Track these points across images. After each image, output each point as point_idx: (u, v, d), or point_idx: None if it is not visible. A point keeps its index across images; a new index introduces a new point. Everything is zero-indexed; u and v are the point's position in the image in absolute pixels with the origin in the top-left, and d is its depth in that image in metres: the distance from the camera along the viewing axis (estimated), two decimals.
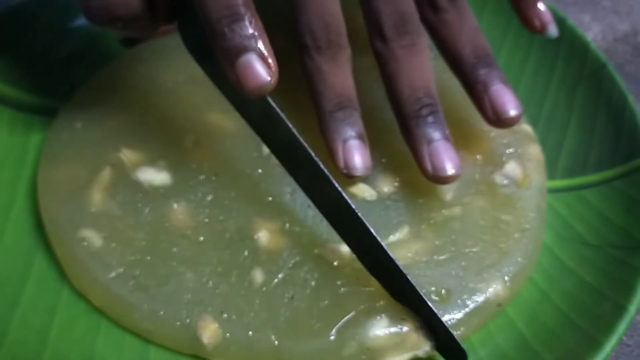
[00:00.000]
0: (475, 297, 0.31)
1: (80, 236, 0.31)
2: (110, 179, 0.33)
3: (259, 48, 0.28)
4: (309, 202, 0.31)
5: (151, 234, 0.32)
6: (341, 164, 0.32)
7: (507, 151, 0.35)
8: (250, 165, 0.34)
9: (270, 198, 0.33)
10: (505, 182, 0.34)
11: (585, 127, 0.38)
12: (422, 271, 0.31)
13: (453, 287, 0.31)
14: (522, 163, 0.35)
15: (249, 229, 0.32)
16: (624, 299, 0.30)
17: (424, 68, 0.33)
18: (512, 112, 0.33)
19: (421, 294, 0.29)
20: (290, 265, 0.31)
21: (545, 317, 0.31)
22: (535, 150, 0.36)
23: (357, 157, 0.32)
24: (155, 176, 0.33)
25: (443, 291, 0.31)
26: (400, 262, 0.30)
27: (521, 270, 0.32)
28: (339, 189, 0.30)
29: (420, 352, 0.30)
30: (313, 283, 0.30)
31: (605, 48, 0.47)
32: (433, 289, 0.31)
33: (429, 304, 0.29)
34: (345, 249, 0.31)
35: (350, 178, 0.32)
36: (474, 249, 0.32)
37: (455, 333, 0.30)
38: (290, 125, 0.30)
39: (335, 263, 0.31)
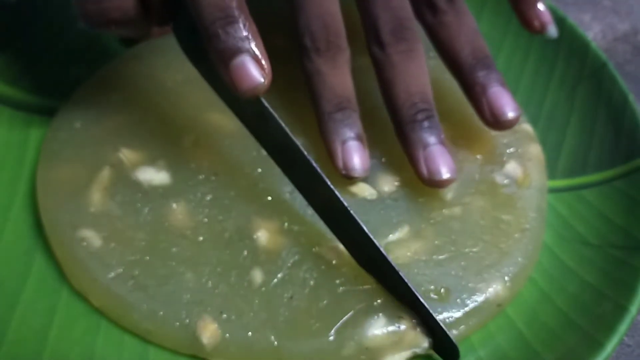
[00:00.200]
0: (474, 297, 0.31)
1: (79, 236, 0.31)
2: (109, 179, 0.33)
3: (252, 50, 0.28)
4: None
5: (151, 234, 0.31)
6: (340, 164, 0.32)
7: (507, 151, 0.35)
8: (250, 165, 0.34)
9: (269, 197, 0.33)
10: (505, 181, 0.34)
11: (585, 127, 0.38)
12: (421, 270, 0.31)
13: (452, 287, 0.31)
14: (522, 163, 0.35)
15: (248, 228, 0.32)
16: (624, 299, 0.30)
17: (420, 73, 0.33)
18: (510, 115, 0.33)
19: (414, 290, 0.29)
20: (289, 264, 0.31)
21: (546, 317, 0.31)
22: (535, 150, 0.36)
23: (356, 158, 0.32)
24: (154, 176, 0.33)
25: (442, 290, 0.31)
26: (399, 261, 0.31)
27: (521, 270, 0.32)
28: (333, 188, 0.30)
29: (418, 350, 0.30)
30: (312, 282, 0.30)
31: (606, 47, 0.47)
32: (432, 287, 0.31)
33: (422, 300, 0.29)
34: (343, 247, 0.31)
35: (349, 179, 0.33)
36: (474, 249, 0.32)
37: (453, 332, 0.30)
38: (284, 125, 0.30)
39: (333, 262, 0.31)
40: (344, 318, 0.29)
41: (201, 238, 0.32)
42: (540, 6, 0.36)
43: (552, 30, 0.37)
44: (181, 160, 0.34)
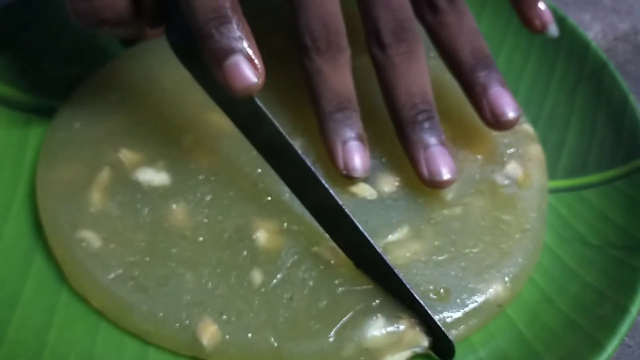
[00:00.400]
0: (474, 297, 0.31)
1: (79, 237, 0.31)
2: (109, 179, 0.33)
3: (246, 50, 0.28)
4: None
5: (150, 235, 0.31)
6: (341, 165, 0.32)
7: (507, 151, 0.35)
8: (249, 165, 0.34)
9: (269, 197, 0.33)
10: (506, 182, 0.34)
11: (585, 127, 0.38)
12: (421, 271, 0.31)
13: (452, 287, 0.31)
14: (522, 163, 0.35)
15: (248, 228, 0.32)
16: (625, 300, 0.30)
17: (420, 74, 0.33)
18: (511, 115, 0.33)
19: (410, 290, 0.29)
20: (288, 265, 0.31)
21: (546, 317, 0.31)
22: (536, 150, 0.36)
23: (357, 158, 0.32)
24: (154, 176, 0.33)
25: (442, 290, 0.31)
26: (398, 262, 0.31)
27: (522, 270, 0.32)
28: (327, 187, 0.30)
29: (418, 349, 0.30)
30: (311, 283, 0.30)
31: (606, 47, 0.47)
32: (431, 287, 0.31)
33: (418, 298, 0.29)
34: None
35: (350, 179, 0.33)
36: (474, 250, 0.32)
37: (453, 332, 0.30)
38: (278, 125, 0.30)
39: (332, 261, 0.31)
40: (344, 319, 0.29)
41: (201, 238, 0.31)
42: (541, 5, 0.36)
43: (553, 30, 0.37)
44: (181, 160, 0.34)
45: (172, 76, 0.37)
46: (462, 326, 0.30)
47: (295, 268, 0.31)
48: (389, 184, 0.34)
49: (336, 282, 0.30)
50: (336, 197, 0.30)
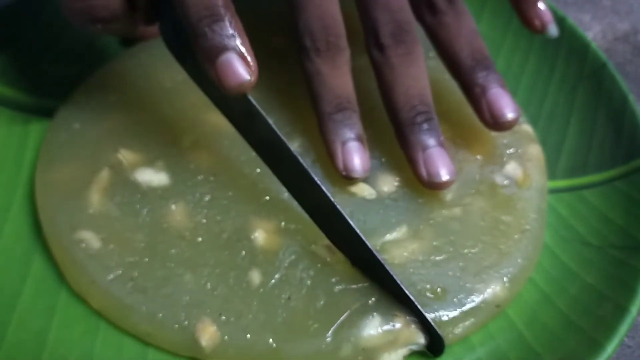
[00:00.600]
0: (472, 297, 0.31)
1: (78, 238, 0.31)
2: (108, 180, 0.33)
3: (238, 47, 0.29)
4: None
5: (149, 236, 0.31)
6: (340, 165, 0.32)
7: (507, 151, 0.35)
8: (249, 165, 0.34)
9: (267, 197, 0.33)
10: (505, 182, 0.34)
11: (585, 127, 0.38)
12: (417, 270, 0.31)
13: (449, 287, 0.31)
14: (522, 163, 0.35)
15: (246, 228, 0.32)
16: (625, 300, 0.30)
17: (419, 76, 0.33)
18: (510, 116, 0.33)
19: (399, 283, 0.29)
20: (286, 264, 0.31)
21: (546, 318, 0.31)
22: (535, 151, 0.36)
23: (357, 159, 0.32)
24: (153, 177, 0.33)
25: (439, 289, 0.31)
26: (395, 261, 0.31)
27: (521, 271, 0.32)
28: (320, 185, 0.30)
29: (414, 347, 0.30)
30: (309, 282, 0.30)
31: (606, 47, 0.47)
32: (428, 286, 0.31)
33: (407, 292, 0.29)
34: None
35: (349, 180, 0.33)
36: (473, 250, 0.32)
37: (450, 330, 0.30)
38: (271, 122, 0.31)
39: (328, 259, 0.31)
40: (341, 319, 0.29)
41: (200, 239, 0.31)
42: (541, 5, 0.36)
43: (553, 30, 0.37)
44: (180, 161, 0.34)
45: (172, 76, 0.37)
46: (459, 325, 0.30)
47: (293, 268, 0.31)
48: (389, 184, 0.34)
49: (333, 280, 0.30)
50: (329, 195, 0.30)
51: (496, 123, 0.33)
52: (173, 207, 0.32)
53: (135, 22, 0.32)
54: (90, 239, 0.31)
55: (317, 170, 0.34)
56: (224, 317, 0.29)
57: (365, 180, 0.33)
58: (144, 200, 0.32)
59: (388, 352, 0.29)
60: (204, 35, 0.29)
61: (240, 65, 0.28)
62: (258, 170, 0.33)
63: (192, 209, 0.32)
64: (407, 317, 0.30)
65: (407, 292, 0.30)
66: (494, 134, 0.35)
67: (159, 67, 0.37)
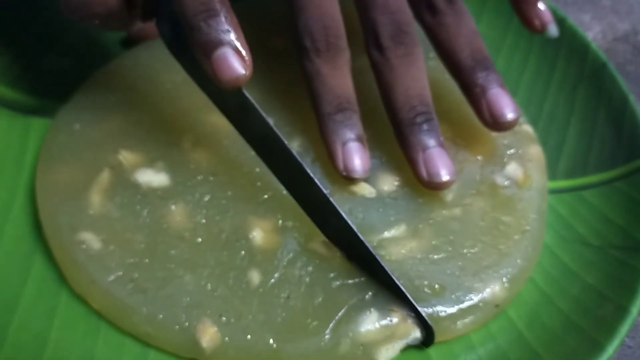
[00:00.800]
0: (470, 295, 0.31)
1: (78, 239, 0.31)
2: (109, 181, 0.33)
3: (233, 42, 0.29)
4: None
5: (150, 236, 0.31)
6: (341, 166, 0.32)
7: (507, 152, 0.35)
8: (248, 165, 0.34)
9: (265, 196, 0.33)
10: (506, 182, 0.34)
11: (585, 128, 0.38)
12: (415, 267, 0.31)
13: (447, 284, 0.31)
14: (522, 164, 0.35)
15: (244, 228, 0.32)
16: (625, 300, 0.30)
17: (419, 77, 0.33)
18: (510, 116, 0.33)
19: (391, 274, 0.30)
20: (284, 263, 0.31)
21: (547, 318, 0.31)
22: (536, 151, 0.36)
23: (357, 159, 0.32)
24: (153, 177, 0.33)
25: (436, 286, 0.31)
26: (392, 258, 0.31)
27: (520, 271, 0.32)
28: (314, 178, 0.30)
29: (410, 341, 0.30)
30: (307, 279, 0.30)
31: (606, 47, 0.47)
32: (426, 282, 0.31)
33: (398, 283, 0.30)
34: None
35: (349, 180, 0.33)
36: (473, 250, 0.32)
37: (446, 324, 0.30)
38: (265, 117, 0.31)
39: (325, 255, 0.31)
40: (338, 315, 0.29)
41: (199, 239, 0.31)
42: (541, 5, 0.36)
43: (553, 30, 0.37)
44: (180, 161, 0.34)
45: (172, 77, 0.37)
46: (457, 322, 0.30)
47: (292, 266, 0.31)
48: (389, 183, 0.34)
49: (330, 275, 0.31)
50: (323, 189, 0.30)
51: (496, 123, 0.33)
52: (173, 207, 0.32)
53: (133, 17, 0.32)
54: (91, 240, 0.31)
55: (316, 170, 0.34)
56: (224, 318, 0.29)
57: (366, 179, 0.33)
58: (144, 201, 0.32)
59: (385, 346, 0.29)
60: (200, 30, 0.29)
61: (235, 59, 0.29)
62: (257, 169, 0.33)
63: (191, 210, 0.32)
64: (404, 312, 0.30)
65: (399, 284, 0.30)
66: (494, 134, 0.35)
67: (159, 68, 0.37)
